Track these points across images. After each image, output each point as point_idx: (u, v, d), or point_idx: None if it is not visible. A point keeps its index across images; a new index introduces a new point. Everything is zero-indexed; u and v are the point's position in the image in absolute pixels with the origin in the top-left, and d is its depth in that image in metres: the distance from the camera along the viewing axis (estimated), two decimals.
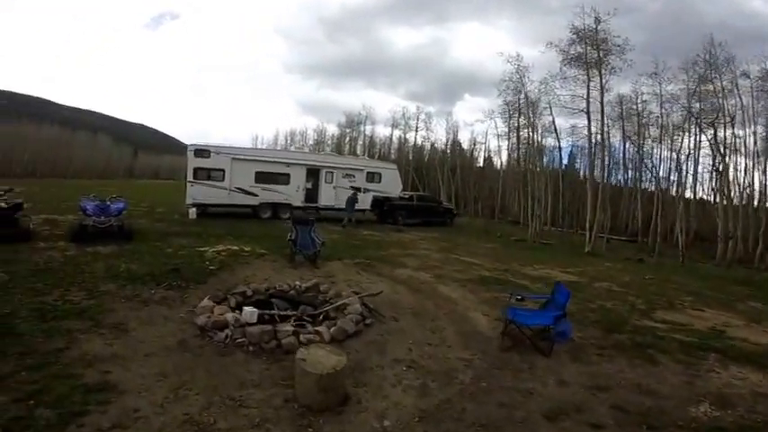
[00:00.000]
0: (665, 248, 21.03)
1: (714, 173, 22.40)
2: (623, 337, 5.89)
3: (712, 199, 25.20)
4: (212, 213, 16.78)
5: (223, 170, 16.51)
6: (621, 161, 30.55)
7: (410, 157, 45.59)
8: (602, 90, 18.48)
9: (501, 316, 6.06)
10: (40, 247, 8.45)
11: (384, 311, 6.07)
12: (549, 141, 27.60)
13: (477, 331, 5.81)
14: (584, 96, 19.03)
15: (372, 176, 19.79)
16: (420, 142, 47.37)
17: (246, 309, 5.26)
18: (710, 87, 19.65)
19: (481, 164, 45.87)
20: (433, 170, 42.58)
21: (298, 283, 6.90)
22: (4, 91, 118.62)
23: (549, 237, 22.13)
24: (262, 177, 17.24)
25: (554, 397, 4.06)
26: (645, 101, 24.11)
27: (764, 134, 22.24)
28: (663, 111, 22.98)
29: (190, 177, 16.18)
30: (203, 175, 16.29)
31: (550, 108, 22.96)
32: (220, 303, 5.63)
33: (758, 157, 22.61)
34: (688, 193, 24.02)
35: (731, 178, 21.76)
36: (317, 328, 5.07)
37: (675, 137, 23.83)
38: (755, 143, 22.29)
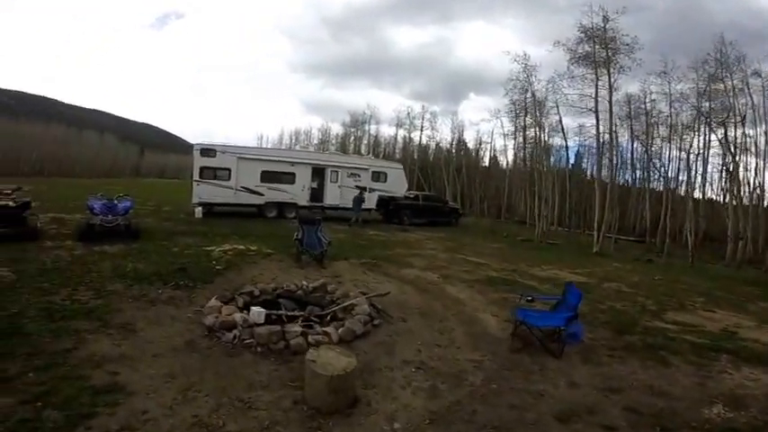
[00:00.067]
0: (674, 249, 20.87)
1: (724, 172, 22.20)
2: (634, 338, 5.84)
3: (722, 199, 24.99)
4: (218, 212, 16.80)
5: (229, 169, 16.53)
6: (629, 161, 30.37)
7: (415, 157, 45.47)
8: (611, 89, 18.32)
9: (510, 317, 6.00)
10: (47, 245, 8.46)
11: (392, 312, 6.01)
12: (556, 141, 27.51)
13: (487, 332, 5.75)
14: (593, 95, 18.86)
15: (378, 176, 19.73)
16: (425, 142, 47.34)
17: (254, 309, 5.22)
18: (721, 86, 19.44)
19: (487, 163, 45.74)
20: (439, 169, 42.45)
21: (305, 283, 6.87)
22: (11, 90, 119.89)
23: (556, 237, 22.00)
24: (267, 177, 17.24)
25: (565, 399, 4.02)
26: (653, 100, 23.95)
27: None
28: (672, 110, 22.78)
29: (196, 176, 16.22)
30: (209, 174, 16.33)
31: (557, 107, 22.83)
32: (228, 303, 5.60)
33: None
34: (697, 193, 23.77)
35: (741, 178, 21.54)
36: (325, 329, 5.02)
37: (685, 136, 23.62)
38: (766, 142, 22.04)
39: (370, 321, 5.48)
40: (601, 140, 20.68)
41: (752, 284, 12.19)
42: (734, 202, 20.35)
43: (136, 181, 54.78)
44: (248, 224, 14.41)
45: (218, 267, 7.66)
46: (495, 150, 45.08)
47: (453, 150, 45.76)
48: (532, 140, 26.07)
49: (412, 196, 21.79)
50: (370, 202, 19.06)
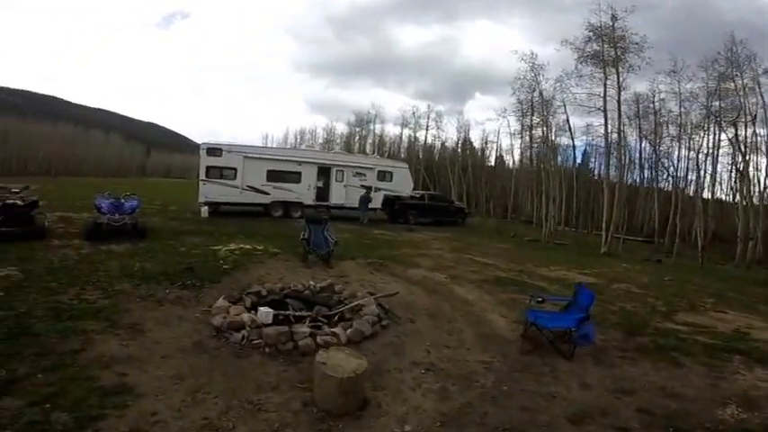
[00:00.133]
0: (683, 249, 20.71)
1: (734, 172, 21.98)
2: (645, 339, 5.79)
3: (731, 199, 24.75)
4: (224, 212, 16.82)
5: (235, 169, 16.55)
6: (638, 160, 30.12)
7: (420, 156, 45.38)
8: (620, 88, 18.16)
9: (520, 318, 5.96)
10: (54, 244, 8.48)
11: (399, 312, 5.96)
12: (563, 140, 27.33)
13: (496, 333, 5.70)
14: (601, 95, 18.70)
15: (383, 175, 19.67)
16: (430, 141, 47.25)
17: (262, 309, 5.18)
18: (731, 85, 19.21)
19: (493, 163, 45.56)
20: (444, 169, 42.37)
21: (312, 283, 6.82)
22: (19, 90, 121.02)
23: (564, 237, 21.86)
24: (273, 176, 17.25)
25: (578, 400, 3.98)
26: (662, 99, 23.70)
27: None
28: (682, 109, 22.55)
29: (202, 176, 16.27)
30: (215, 173, 16.37)
31: (564, 106, 22.67)
32: (236, 303, 5.56)
33: None
34: (706, 193, 23.54)
35: (752, 178, 21.32)
36: (333, 330, 4.98)
37: (694, 135, 23.39)
38: None
39: (378, 322, 5.43)
40: (609, 140, 20.47)
41: (762, 285, 12.09)
42: (744, 202, 20.16)
43: (142, 180, 55.10)
44: (254, 223, 14.43)
45: (225, 267, 7.63)
46: (501, 150, 44.99)
47: (459, 150, 45.66)
48: (539, 139, 25.89)
49: (417, 196, 21.71)
50: (376, 201, 19.02)
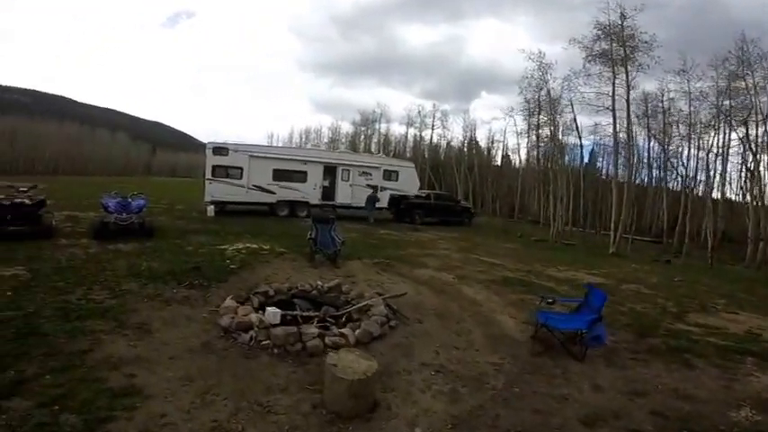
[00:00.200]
0: (691, 249, 20.53)
1: (745, 172, 21.74)
2: (657, 340, 5.73)
3: (741, 199, 24.49)
4: (230, 211, 16.83)
5: (241, 168, 16.55)
6: (646, 160, 29.90)
7: (425, 155, 45.30)
8: (629, 87, 18.02)
9: (531, 319, 5.92)
10: (62, 243, 8.48)
11: (407, 313, 5.90)
12: (570, 139, 27.16)
13: (506, 334, 5.64)
14: (610, 94, 18.55)
15: (389, 174, 19.60)
16: (436, 140, 47.16)
17: (269, 309, 5.16)
18: (742, 84, 19.02)
19: (499, 162, 45.42)
20: (450, 168, 42.25)
21: (319, 283, 6.79)
22: (26, 89, 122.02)
23: (571, 237, 21.73)
24: (279, 175, 17.23)
25: (590, 403, 3.95)
26: (672, 98, 23.49)
27: None
28: (692, 108, 22.34)
29: (208, 175, 16.27)
30: (222, 172, 16.37)
31: (572, 105, 22.51)
32: (243, 303, 5.53)
33: None
34: (715, 193, 23.31)
35: (762, 177, 21.06)
36: (341, 331, 4.94)
37: (704, 135, 23.18)
38: None
39: (386, 323, 5.38)
40: (617, 139, 20.30)
41: None
42: (754, 203, 19.93)
43: (148, 179, 55.36)
44: (260, 223, 14.41)
45: (232, 266, 7.59)
46: (507, 149, 44.85)
47: (465, 149, 45.54)
48: (546, 139, 25.75)
49: (423, 195, 21.60)
50: (382, 200, 18.97)
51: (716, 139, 22.40)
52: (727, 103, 19.46)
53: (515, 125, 44.65)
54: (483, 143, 47.13)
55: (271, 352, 4.41)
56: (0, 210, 8.53)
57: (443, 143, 47.60)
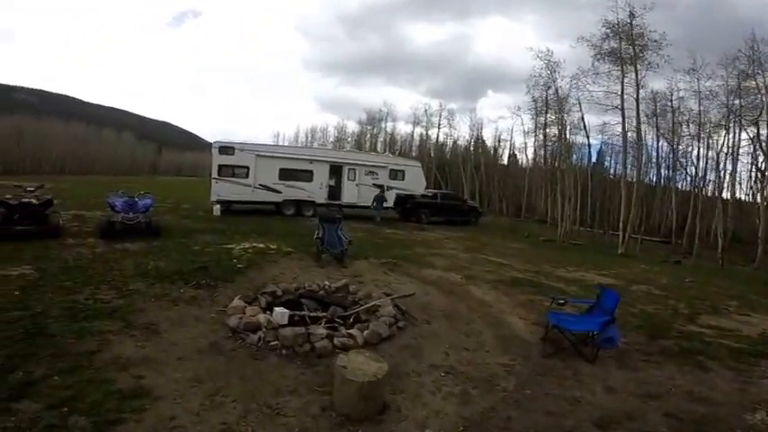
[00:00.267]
0: (701, 250, 20.37)
1: (755, 172, 21.51)
2: (669, 342, 5.67)
3: (751, 199, 24.22)
4: (236, 210, 16.83)
5: (247, 167, 16.53)
6: (655, 159, 29.65)
7: (431, 154, 45.18)
8: (638, 86, 17.84)
9: (541, 320, 5.87)
10: (69, 243, 8.48)
11: (415, 314, 5.85)
12: (578, 138, 26.98)
13: (515, 335, 5.58)
14: (618, 92, 18.38)
15: (395, 174, 19.51)
16: (442, 139, 47.03)
17: (277, 310, 5.12)
18: (752, 84, 18.80)
19: (505, 161, 45.25)
20: (456, 167, 42.12)
21: (327, 283, 6.75)
22: (32, 89, 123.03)
23: (579, 237, 21.61)
24: (285, 174, 17.20)
25: (603, 405, 3.90)
26: (681, 97, 23.27)
27: None
28: (701, 108, 22.11)
29: (214, 174, 16.26)
30: (228, 172, 16.36)
31: (579, 104, 22.35)
32: (251, 303, 5.50)
33: None
34: (725, 193, 23.07)
35: None
36: (350, 331, 4.90)
37: (713, 135, 22.95)
38: None
39: (394, 323, 5.33)
40: (626, 139, 20.12)
41: None
42: (765, 203, 19.68)
43: (154, 179, 55.61)
44: (266, 222, 14.40)
45: (238, 266, 7.56)
46: (514, 148, 44.68)
47: (471, 148, 45.39)
48: (554, 138, 25.58)
49: (430, 195, 21.48)
50: (388, 200, 18.91)
51: (726, 138, 22.22)
52: (737, 102, 19.29)
53: (522, 124, 44.72)
54: (489, 142, 47.15)
55: (279, 353, 4.37)
56: (7, 209, 8.56)
57: (450, 142, 47.56)
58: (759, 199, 20.94)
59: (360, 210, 18.45)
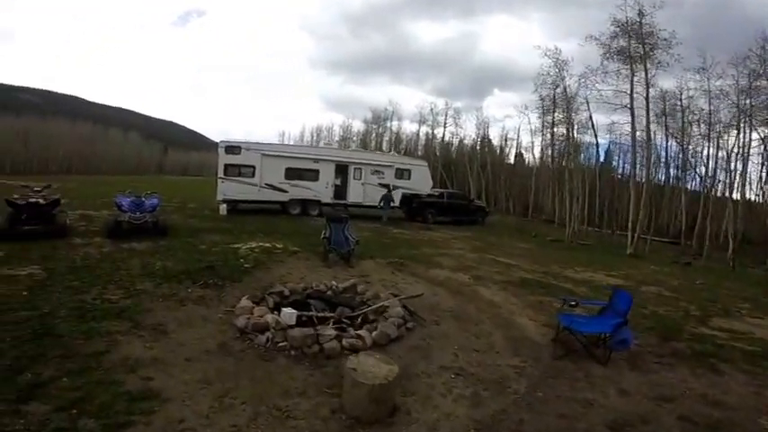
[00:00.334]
0: (710, 251, 20.16)
1: (767, 173, 21.26)
2: (681, 344, 5.60)
3: (762, 199, 23.93)
4: (242, 209, 16.85)
5: (253, 167, 16.54)
6: (664, 159, 29.38)
7: (437, 153, 45.03)
8: (648, 85, 17.67)
9: (551, 322, 5.81)
10: (76, 243, 8.50)
11: (424, 314, 5.81)
12: (585, 138, 26.78)
13: (526, 337, 5.52)
14: (627, 91, 18.20)
15: (402, 173, 19.43)
16: (448, 138, 46.85)
17: (285, 310, 5.08)
18: (764, 83, 18.55)
19: (512, 160, 44.97)
20: (462, 166, 41.93)
21: (334, 283, 6.71)
22: (38, 89, 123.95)
23: (587, 237, 21.45)
24: (291, 174, 17.21)
25: (616, 408, 3.85)
26: (691, 97, 23.01)
27: None
28: (711, 107, 21.85)
29: (221, 174, 16.29)
30: (234, 171, 16.39)
31: (587, 103, 22.16)
32: (259, 304, 5.47)
33: None
34: (735, 194, 22.79)
35: None
36: (358, 332, 4.84)
37: (724, 135, 22.67)
38: None
39: (403, 324, 5.28)
40: (636, 138, 19.94)
41: None
42: None
43: (160, 178, 55.79)
44: (273, 221, 14.41)
45: (246, 266, 7.53)
46: (520, 147, 44.44)
47: (478, 147, 45.19)
48: (562, 137, 25.39)
49: (436, 194, 21.38)
50: (395, 199, 18.85)
51: (736, 138, 21.94)
52: (748, 102, 19.04)
53: (529, 123, 44.41)
54: (496, 141, 46.82)
55: (288, 354, 4.33)
56: (15, 209, 8.59)
57: (456, 141, 47.36)
58: None
59: (366, 209, 18.40)
